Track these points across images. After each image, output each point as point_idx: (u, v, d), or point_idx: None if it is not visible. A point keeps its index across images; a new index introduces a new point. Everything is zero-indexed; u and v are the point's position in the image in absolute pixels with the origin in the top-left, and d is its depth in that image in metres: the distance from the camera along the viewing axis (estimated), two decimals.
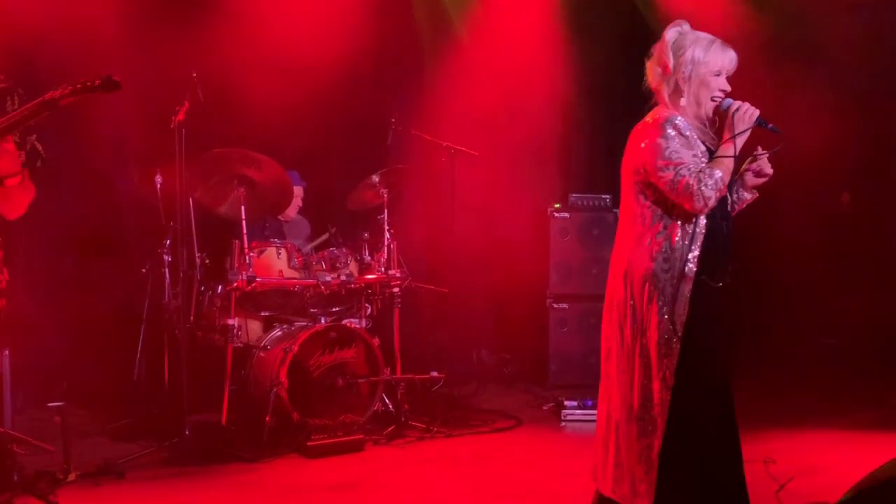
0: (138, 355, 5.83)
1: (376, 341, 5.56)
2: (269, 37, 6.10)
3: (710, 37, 3.25)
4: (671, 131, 3.15)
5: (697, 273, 3.13)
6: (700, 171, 3.08)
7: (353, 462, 4.91)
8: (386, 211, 5.76)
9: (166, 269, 5.58)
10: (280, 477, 4.67)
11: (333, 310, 5.78)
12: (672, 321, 3.11)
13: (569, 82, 7.18)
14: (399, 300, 5.77)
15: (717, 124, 3.27)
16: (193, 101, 5.09)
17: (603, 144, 7.31)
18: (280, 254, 5.57)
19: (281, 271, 5.53)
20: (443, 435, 5.41)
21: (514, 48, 6.96)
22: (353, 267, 5.71)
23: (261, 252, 5.52)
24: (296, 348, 5.23)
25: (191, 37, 5.77)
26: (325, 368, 5.38)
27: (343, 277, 5.60)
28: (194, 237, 5.55)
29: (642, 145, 3.20)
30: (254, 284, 5.33)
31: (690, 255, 3.14)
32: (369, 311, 5.81)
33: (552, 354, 6.89)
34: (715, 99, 3.22)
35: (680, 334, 3.11)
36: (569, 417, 5.78)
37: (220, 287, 5.53)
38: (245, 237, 5.35)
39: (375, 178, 5.77)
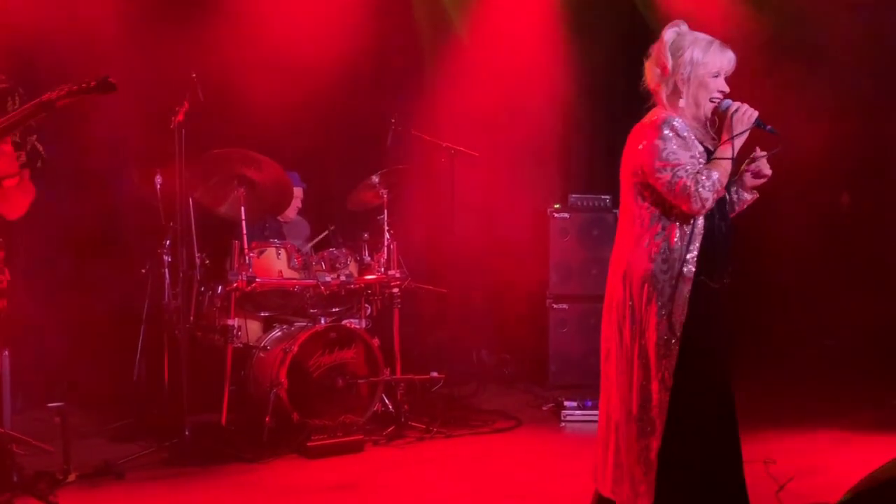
0: (138, 356, 5.82)
1: (376, 342, 5.56)
2: (269, 37, 6.10)
3: (708, 37, 3.24)
4: (669, 132, 3.14)
5: (696, 274, 3.13)
6: (697, 173, 3.08)
7: (353, 462, 4.90)
8: (386, 211, 5.76)
9: (166, 270, 5.58)
10: (280, 477, 4.67)
11: (333, 310, 5.78)
12: (671, 322, 3.11)
13: (569, 82, 7.18)
14: (399, 300, 5.77)
15: (717, 125, 3.27)
16: (193, 102, 5.09)
17: (603, 144, 7.30)
18: (280, 254, 5.56)
19: (281, 272, 5.53)
20: (443, 435, 5.40)
21: (514, 48, 6.96)
22: (352, 267, 5.71)
23: (260, 252, 5.52)
24: (295, 349, 5.23)
25: (191, 37, 5.78)
26: (325, 369, 5.38)
27: (343, 278, 5.60)
28: (194, 237, 5.55)
29: (640, 147, 3.20)
30: (253, 285, 5.33)
31: (689, 256, 3.13)
32: (369, 311, 5.81)
33: (552, 355, 6.89)
34: (714, 100, 3.21)
35: (679, 335, 3.11)
36: (568, 418, 5.77)
37: (219, 287, 5.53)
38: (245, 237, 5.34)
39: (375, 179, 5.77)
